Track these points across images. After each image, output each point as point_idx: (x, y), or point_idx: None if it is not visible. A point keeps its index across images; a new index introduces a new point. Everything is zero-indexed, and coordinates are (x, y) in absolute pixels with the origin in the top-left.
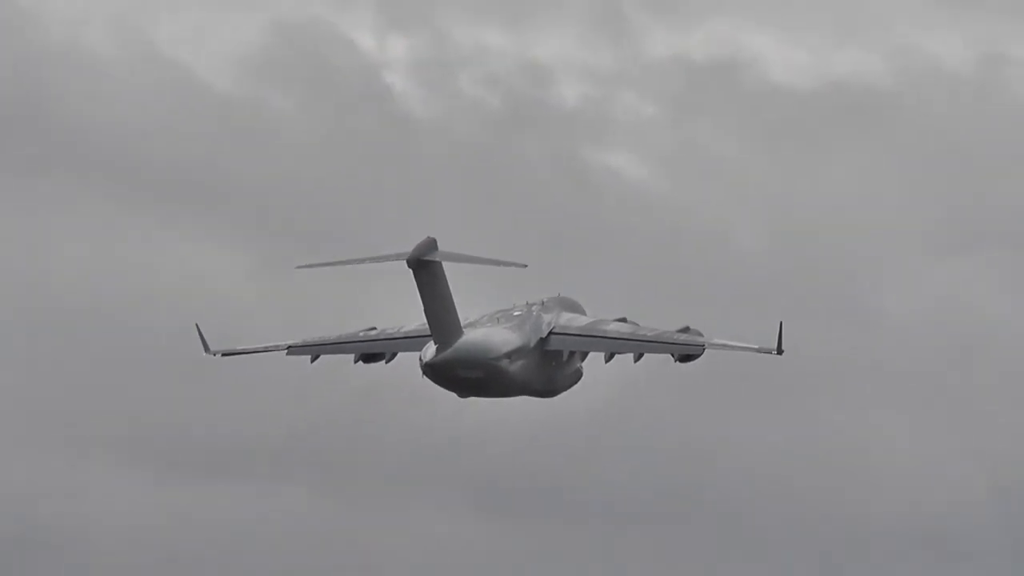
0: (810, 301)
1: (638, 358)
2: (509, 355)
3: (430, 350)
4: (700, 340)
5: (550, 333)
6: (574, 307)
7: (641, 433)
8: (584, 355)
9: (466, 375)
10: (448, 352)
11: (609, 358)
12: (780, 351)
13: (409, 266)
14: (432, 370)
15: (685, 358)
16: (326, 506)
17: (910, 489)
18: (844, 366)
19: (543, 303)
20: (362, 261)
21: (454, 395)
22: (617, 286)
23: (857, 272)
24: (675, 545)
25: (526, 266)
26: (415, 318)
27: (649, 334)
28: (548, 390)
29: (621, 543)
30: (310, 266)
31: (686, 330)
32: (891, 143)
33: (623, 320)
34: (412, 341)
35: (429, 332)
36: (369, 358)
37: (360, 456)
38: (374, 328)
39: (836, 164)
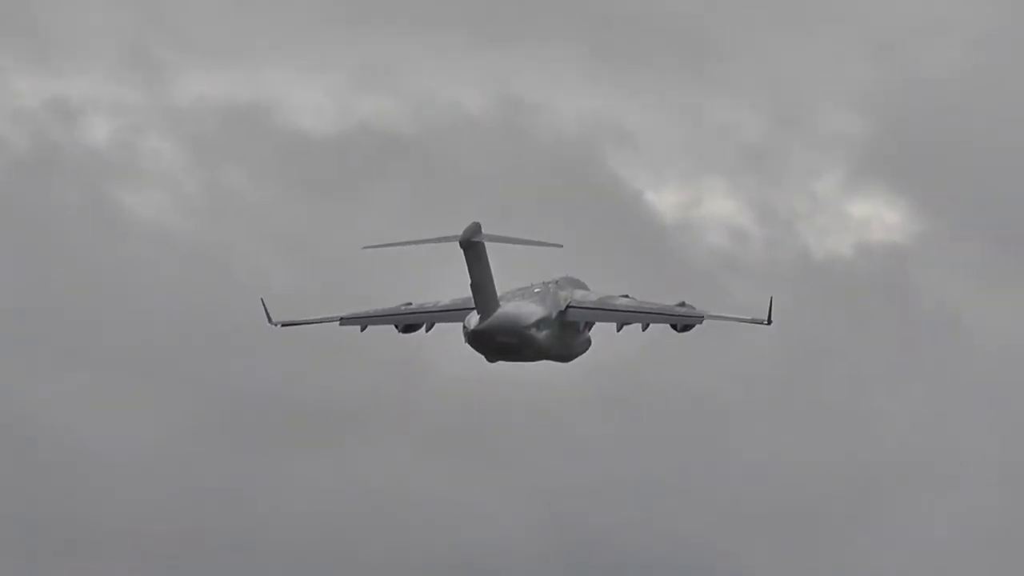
0: None
1: (645, 327)
2: (537, 324)
3: (473, 319)
4: (699, 312)
5: (568, 306)
6: (581, 285)
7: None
8: (591, 326)
9: (504, 341)
10: (490, 321)
11: (620, 328)
12: (770, 321)
13: (460, 246)
14: (476, 336)
15: (684, 328)
16: None
17: None
18: None
19: (557, 282)
20: (421, 243)
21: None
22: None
23: None
24: None
25: (562, 246)
26: (448, 295)
27: (653, 307)
28: (566, 356)
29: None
30: (376, 246)
31: (682, 304)
32: (418, 185)
33: (626, 296)
34: (449, 314)
35: (462, 307)
36: (408, 328)
37: None
38: (410, 303)
39: (367, 208)
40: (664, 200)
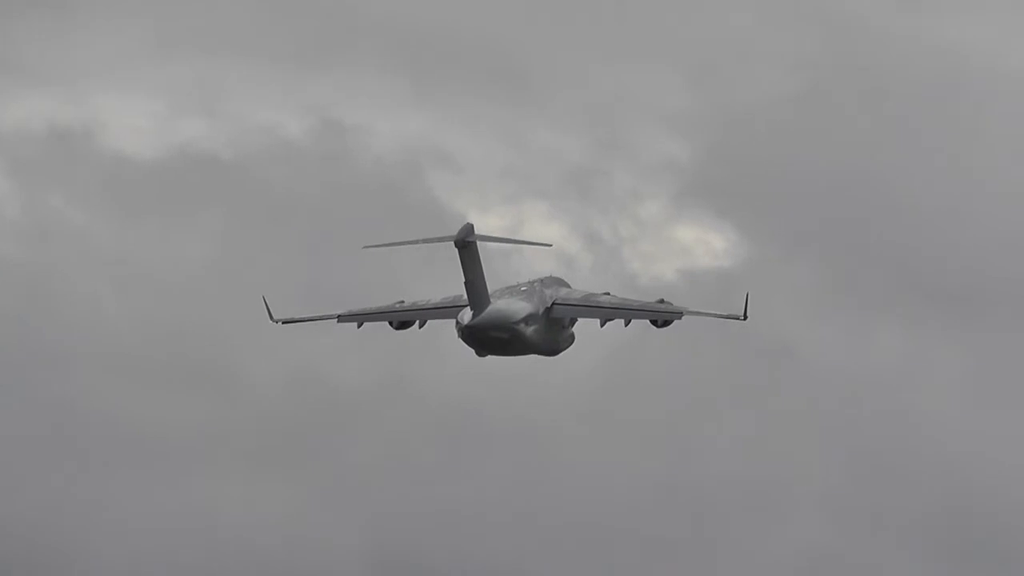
0: None
1: (627, 323)
2: (526, 320)
3: (467, 315)
4: (678, 308)
5: (553, 303)
6: (564, 284)
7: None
8: (575, 322)
9: (495, 336)
10: (482, 316)
11: (603, 323)
12: (745, 317)
13: (455, 246)
14: (469, 331)
15: (664, 323)
16: None
17: None
18: None
19: (542, 280)
20: (418, 242)
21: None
22: None
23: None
24: None
25: (551, 245)
26: (439, 293)
27: (635, 304)
28: (552, 350)
29: None
30: (375, 246)
31: (661, 301)
32: (238, 209)
33: (608, 293)
34: (441, 311)
35: (454, 304)
36: (402, 325)
37: None
38: (402, 301)
39: (191, 232)
40: (488, 223)
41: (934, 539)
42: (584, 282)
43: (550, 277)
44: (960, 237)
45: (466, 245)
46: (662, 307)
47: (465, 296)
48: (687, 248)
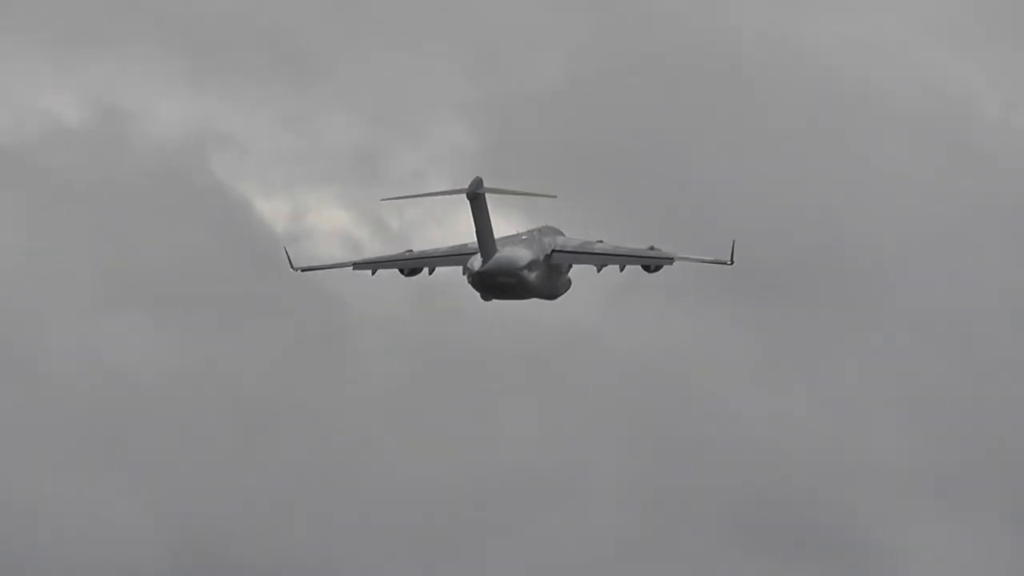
0: None
1: (622, 268)
2: (529, 266)
3: (476, 262)
4: (668, 254)
5: (553, 251)
6: (559, 233)
7: None
8: (571, 267)
9: (502, 281)
10: (491, 263)
11: (600, 269)
12: (732, 262)
13: (467, 198)
14: (479, 277)
15: (655, 268)
16: None
17: None
18: None
19: (540, 230)
20: (435, 195)
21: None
22: None
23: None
24: None
25: (555, 196)
26: (446, 242)
27: (628, 250)
28: (552, 295)
29: None
30: (393, 199)
31: (652, 248)
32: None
33: (601, 241)
34: (448, 259)
35: (459, 252)
36: (412, 272)
37: None
38: (411, 250)
39: None
40: (274, 209)
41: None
42: None
43: (547, 226)
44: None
45: (476, 197)
46: (653, 253)
47: (467, 245)
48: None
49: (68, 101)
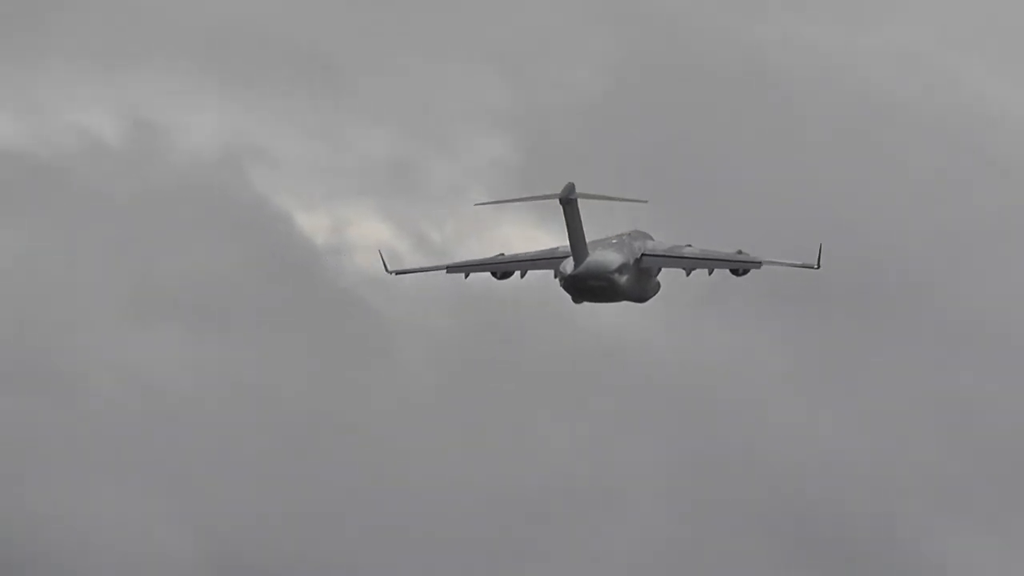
0: None
1: (711, 272)
2: (620, 269)
3: (569, 265)
4: (756, 258)
5: (643, 255)
6: (649, 237)
7: None
8: (659, 271)
9: (594, 284)
10: (583, 267)
11: (689, 273)
12: (819, 266)
13: (560, 203)
14: (572, 279)
15: (743, 272)
16: None
17: None
18: None
19: (629, 234)
20: (528, 199)
21: (571, 300)
22: None
23: None
24: None
25: (647, 201)
26: (533, 247)
27: (716, 254)
28: (641, 298)
29: None
30: (486, 203)
31: (739, 252)
32: (55, 211)
33: (689, 245)
34: (539, 263)
35: (549, 256)
36: (504, 275)
37: None
38: (502, 253)
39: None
40: (313, 222)
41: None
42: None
43: (636, 231)
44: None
45: (569, 202)
46: (740, 257)
47: (558, 249)
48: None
49: (105, 116)
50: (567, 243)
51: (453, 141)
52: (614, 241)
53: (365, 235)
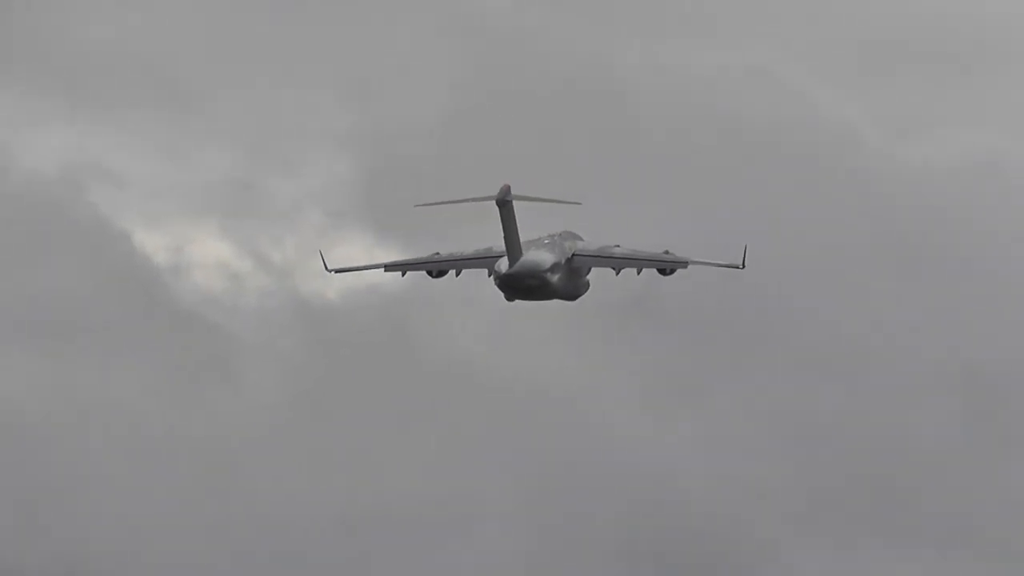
0: None
1: (639, 271)
2: (552, 269)
3: (504, 264)
4: (683, 258)
5: (574, 254)
6: (578, 237)
7: None
8: (590, 270)
9: (528, 283)
10: (517, 266)
11: (618, 272)
12: (743, 266)
13: (496, 204)
14: (507, 278)
15: (670, 271)
16: None
17: None
18: None
19: (560, 234)
20: (464, 201)
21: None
22: None
23: None
24: None
25: (580, 203)
26: (470, 246)
27: (644, 254)
28: (573, 296)
29: None
30: (426, 204)
31: (666, 252)
32: None
33: (618, 246)
34: (474, 262)
35: (485, 256)
36: (439, 274)
37: None
38: (438, 253)
39: None
40: (154, 242)
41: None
42: (249, 299)
43: (566, 231)
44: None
45: (505, 204)
46: (668, 257)
47: (492, 248)
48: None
49: None
50: (499, 243)
51: (295, 160)
52: (546, 241)
53: (206, 254)
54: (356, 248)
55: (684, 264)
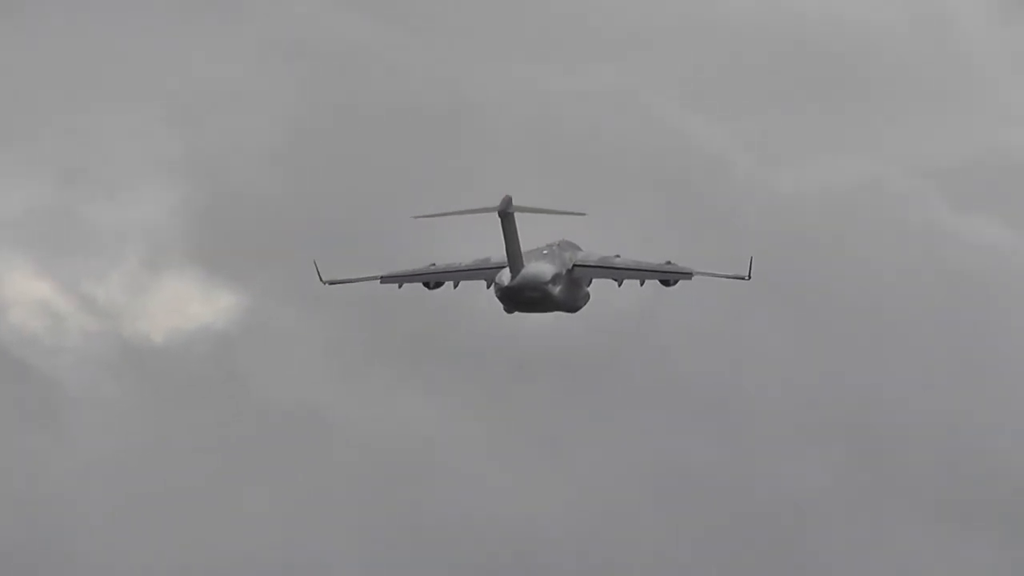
0: None
1: (642, 282)
2: (553, 280)
3: (505, 277)
4: (686, 268)
5: (574, 265)
6: (577, 248)
7: None
8: (591, 281)
9: (530, 295)
10: (519, 278)
11: (620, 283)
12: (749, 277)
13: (498, 216)
14: (509, 291)
15: (673, 282)
16: None
17: None
18: None
19: (559, 244)
20: (465, 212)
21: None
22: None
23: None
24: None
25: (585, 214)
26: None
27: (646, 265)
28: (573, 308)
29: None
30: (425, 216)
31: (669, 263)
32: None
33: (618, 256)
34: (472, 272)
35: (482, 267)
36: (436, 285)
37: None
38: (434, 264)
39: None
40: None
41: None
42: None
43: (565, 241)
44: None
45: (506, 215)
46: (671, 268)
47: (490, 259)
48: (169, 306)
49: None
50: (496, 254)
51: (121, 191)
52: (545, 252)
53: (23, 291)
54: (184, 284)
55: (688, 275)
